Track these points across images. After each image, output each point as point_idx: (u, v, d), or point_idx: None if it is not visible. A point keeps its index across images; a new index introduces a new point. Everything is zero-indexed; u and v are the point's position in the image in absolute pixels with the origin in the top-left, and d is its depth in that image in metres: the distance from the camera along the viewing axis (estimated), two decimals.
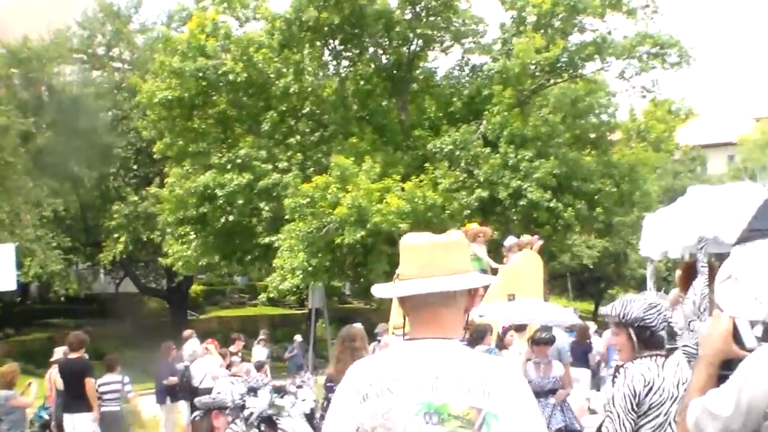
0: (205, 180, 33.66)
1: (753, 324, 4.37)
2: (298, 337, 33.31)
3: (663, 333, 5.61)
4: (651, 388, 5.40)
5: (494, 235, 23.81)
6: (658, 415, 5.35)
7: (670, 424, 5.33)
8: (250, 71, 33.81)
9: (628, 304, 5.66)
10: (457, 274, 3.26)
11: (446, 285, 3.22)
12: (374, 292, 3.52)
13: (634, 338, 5.61)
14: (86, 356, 15.77)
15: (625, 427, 5.40)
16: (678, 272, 11.74)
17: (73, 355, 15.20)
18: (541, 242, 21.71)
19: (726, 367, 3.69)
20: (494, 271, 19.04)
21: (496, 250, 22.60)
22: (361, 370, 3.26)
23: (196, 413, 11.12)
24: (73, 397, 15.02)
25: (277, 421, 8.15)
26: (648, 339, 5.57)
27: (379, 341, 16.52)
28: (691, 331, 10.36)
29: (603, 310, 5.93)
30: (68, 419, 15.17)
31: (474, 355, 3.29)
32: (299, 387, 12.59)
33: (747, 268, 4.29)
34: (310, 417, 10.21)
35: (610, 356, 18.24)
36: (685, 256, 10.90)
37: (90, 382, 15.05)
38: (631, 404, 5.38)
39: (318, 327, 34.51)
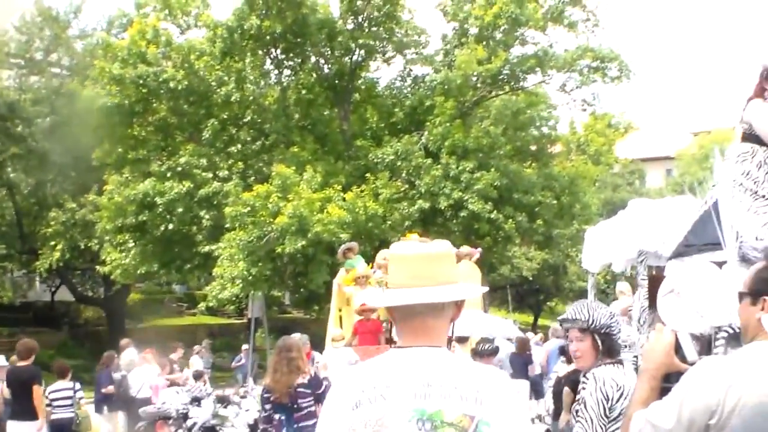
0: (144, 188, 33.32)
1: (695, 337, 4.40)
2: (245, 346, 33.07)
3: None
4: (622, 394, 5.42)
5: None
6: None
7: None
8: (192, 79, 33.60)
9: (595, 310, 5.69)
10: (446, 285, 3.32)
11: (436, 296, 3.28)
12: (366, 300, 3.66)
13: (600, 344, 5.64)
14: (33, 365, 15.37)
15: None
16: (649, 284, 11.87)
17: (21, 363, 15.00)
18: (480, 253, 21.79)
19: (667, 380, 3.74)
20: None
21: None
22: (352, 377, 3.28)
23: (140, 424, 11.04)
24: (20, 405, 14.81)
25: (220, 431, 8.15)
26: (611, 346, 5.62)
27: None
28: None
29: (567, 314, 5.93)
30: (14, 427, 14.92)
31: (464, 363, 3.34)
32: (243, 397, 12.57)
33: (688, 283, 4.32)
34: (253, 427, 10.17)
35: (550, 368, 18.32)
36: (628, 269, 11.00)
37: (37, 390, 14.83)
38: (604, 409, 5.38)
39: (257, 337, 34.27)
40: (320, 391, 10.39)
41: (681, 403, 3.42)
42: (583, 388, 5.58)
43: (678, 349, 3.95)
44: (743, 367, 3.45)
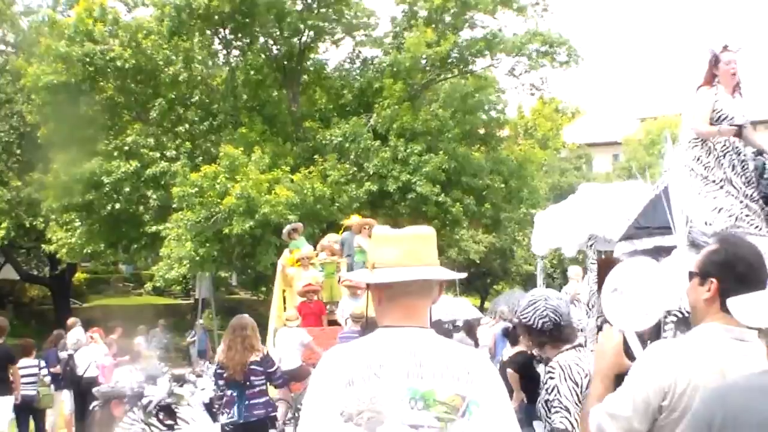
0: (91, 167, 33.05)
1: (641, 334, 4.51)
2: (200, 322, 33.00)
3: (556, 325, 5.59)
4: (589, 378, 5.31)
5: None
6: None
7: None
8: (139, 58, 33.30)
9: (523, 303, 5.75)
10: (433, 266, 3.41)
11: (430, 274, 3.38)
12: (353, 279, 3.69)
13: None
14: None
15: (577, 421, 5.36)
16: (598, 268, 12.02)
17: None
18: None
19: (620, 380, 3.82)
20: None
21: None
22: (344, 355, 3.31)
23: (95, 403, 11.06)
24: None
25: (176, 410, 8.23)
26: (569, 333, 5.59)
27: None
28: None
29: (520, 312, 5.95)
30: None
31: (452, 344, 3.40)
32: (198, 376, 12.62)
33: (630, 281, 4.40)
34: (209, 406, 10.28)
35: (498, 351, 18.50)
36: (575, 253, 11.16)
37: (15, 367, 15.54)
38: (578, 396, 5.36)
39: (205, 317, 34.27)
40: (272, 370, 10.62)
41: (635, 388, 3.57)
42: (551, 377, 5.57)
43: (626, 348, 4.05)
44: (693, 349, 3.61)
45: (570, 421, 5.38)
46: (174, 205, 31.19)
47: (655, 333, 8.29)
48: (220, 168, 30.55)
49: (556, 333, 5.56)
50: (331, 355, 3.36)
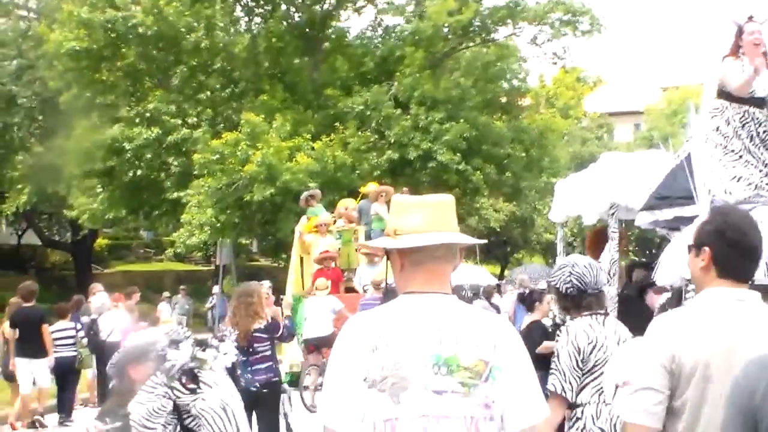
0: (112, 133, 33.15)
1: None
2: (216, 289, 33.13)
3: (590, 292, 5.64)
4: (595, 346, 5.48)
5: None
6: (603, 373, 5.39)
7: None
8: (161, 24, 33.24)
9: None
10: (456, 232, 3.45)
11: (456, 238, 3.43)
12: (376, 245, 3.66)
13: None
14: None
15: (572, 384, 5.47)
16: (587, 239, 12.03)
17: (26, 305, 16.25)
18: None
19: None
20: None
21: None
22: (368, 322, 3.34)
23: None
24: (30, 344, 16.01)
25: (199, 375, 8.29)
26: (575, 300, 5.66)
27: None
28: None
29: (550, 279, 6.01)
30: (25, 365, 16.07)
31: (475, 310, 3.44)
32: (221, 340, 12.68)
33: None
34: (231, 370, 10.38)
35: (518, 318, 18.54)
36: (596, 221, 11.15)
37: (47, 329, 16.23)
38: (577, 362, 5.45)
39: (225, 284, 34.42)
40: (278, 335, 10.84)
41: (647, 360, 3.66)
42: (557, 341, 5.66)
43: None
44: (695, 315, 3.70)
45: (562, 385, 5.47)
46: (195, 172, 31.25)
47: (676, 303, 8.32)
48: (241, 135, 30.57)
49: (578, 299, 5.62)
50: (354, 322, 3.39)
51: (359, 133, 32.19)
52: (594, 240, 11.48)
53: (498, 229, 47.86)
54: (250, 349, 10.54)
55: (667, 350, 3.62)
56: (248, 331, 10.47)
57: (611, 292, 9.91)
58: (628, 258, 17.86)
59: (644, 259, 11.64)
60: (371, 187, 20.68)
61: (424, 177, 32.30)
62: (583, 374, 5.50)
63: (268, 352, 10.77)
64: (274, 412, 11.01)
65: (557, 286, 5.66)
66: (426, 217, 3.40)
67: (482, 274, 26.43)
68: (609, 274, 10.02)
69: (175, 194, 32.53)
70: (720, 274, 3.74)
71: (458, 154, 31.83)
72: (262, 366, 10.66)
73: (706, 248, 3.77)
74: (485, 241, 3.68)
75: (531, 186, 37.38)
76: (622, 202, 10.02)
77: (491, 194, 38.61)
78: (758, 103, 8.77)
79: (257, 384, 10.52)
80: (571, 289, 5.56)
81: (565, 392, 5.43)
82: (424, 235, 3.37)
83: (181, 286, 32.99)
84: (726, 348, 3.55)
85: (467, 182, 32.77)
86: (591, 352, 5.47)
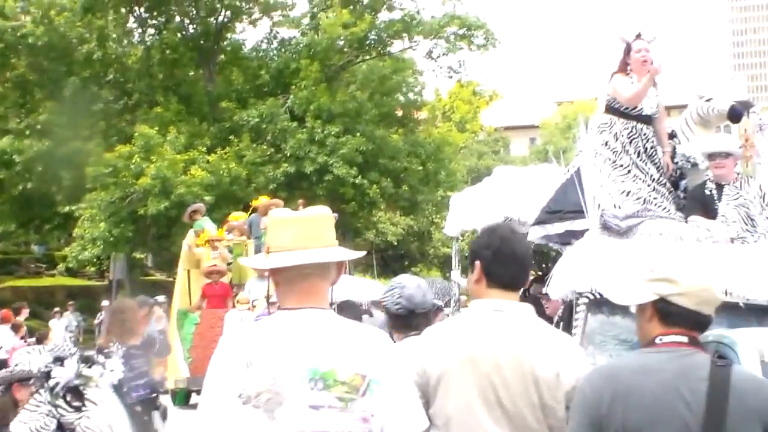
0: (2, 145, 32.50)
1: None
2: (105, 303, 32.63)
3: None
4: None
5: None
6: None
7: None
8: (52, 35, 32.71)
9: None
10: (330, 248, 3.42)
11: (325, 256, 3.38)
12: (248, 264, 3.72)
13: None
14: None
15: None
16: None
17: None
18: (335, 218, 21.86)
19: None
20: None
21: None
22: (242, 338, 3.32)
23: None
24: None
25: (84, 392, 8.17)
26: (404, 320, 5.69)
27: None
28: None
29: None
30: None
31: (352, 324, 3.42)
32: (107, 357, 12.49)
33: None
34: (117, 387, 10.30)
35: None
36: None
37: None
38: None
39: (119, 299, 33.92)
40: (155, 349, 10.87)
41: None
42: None
43: None
44: (446, 328, 4.12)
45: None
46: (88, 185, 30.79)
47: (567, 315, 8.43)
48: (134, 148, 30.22)
49: (407, 320, 5.62)
50: (229, 338, 3.36)
51: (254, 146, 32.06)
52: None
53: (395, 243, 48.02)
54: (127, 366, 10.59)
55: (418, 363, 3.81)
56: (123, 348, 10.55)
57: None
58: None
59: (540, 272, 11.84)
60: (262, 201, 20.61)
61: (320, 190, 32.26)
62: None
63: (145, 368, 10.81)
64: (149, 428, 11.02)
65: (387, 306, 5.66)
66: (296, 234, 3.38)
67: (380, 289, 26.44)
68: None
69: (67, 208, 32.04)
70: (489, 284, 3.96)
71: (355, 168, 31.89)
72: (140, 382, 10.71)
73: (477, 262, 3.99)
74: (360, 254, 3.64)
75: (427, 200, 37.62)
76: (516, 216, 10.08)
77: (388, 208, 38.74)
78: (645, 119, 8.97)
79: (132, 401, 10.57)
80: (401, 309, 5.56)
81: None
82: (292, 253, 3.35)
83: (70, 302, 32.37)
84: (466, 358, 3.77)
85: (363, 196, 32.84)
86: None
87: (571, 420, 3.37)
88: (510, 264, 3.98)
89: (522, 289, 4.15)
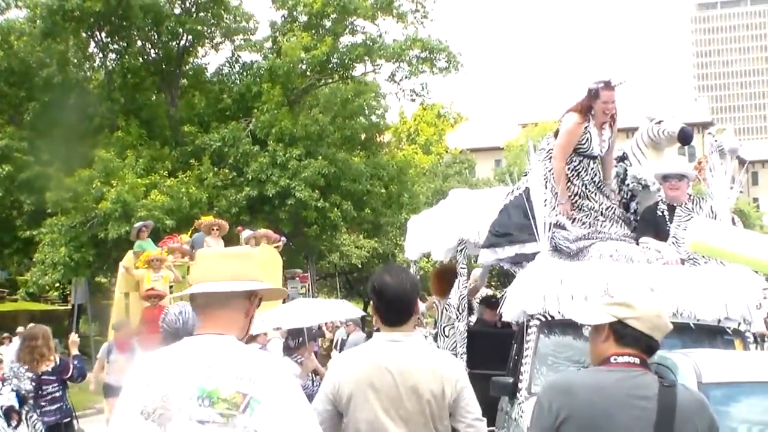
0: None
1: None
2: (21, 329, 32.15)
3: None
4: None
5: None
6: None
7: None
8: (11, 59, 32.68)
9: None
10: (236, 281, 3.81)
11: (216, 287, 3.78)
12: (175, 294, 4.06)
13: None
14: None
15: None
16: (431, 276, 12.12)
17: None
18: (282, 241, 21.79)
19: None
20: None
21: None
22: (148, 361, 3.73)
23: None
24: None
25: None
26: None
27: None
28: (446, 336, 10.77)
29: None
30: None
31: (244, 349, 3.79)
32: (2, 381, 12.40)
33: None
34: (7, 412, 10.38)
35: None
36: (447, 258, 11.23)
37: None
38: None
39: (81, 323, 33.70)
40: (67, 376, 11.09)
41: (321, 389, 4.75)
42: None
43: None
44: (358, 355, 4.76)
45: None
46: (48, 210, 30.62)
47: (520, 337, 8.48)
48: (95, 172, 30.10)
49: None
50: (139, 362, 3.81)
51: (216, 169, 32.02)
52: (438, 276, 11.57)
53: (360, 266, 47.94)
54: (39, 391, 10.66)
55: (331, 383, 4.62)
56: (35, 374, 10.63)
57: (460, 328, 10.03)
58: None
59: (497, 294, 11.85)
60: (205, 220, 20.37)
61: (283, 214, 32.23)
62: None
63: (58, 393, 11.03)
64: None
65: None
66: (207, 269, 3.85)
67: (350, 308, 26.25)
68: (458, 310, 10.14)
69: (28, 232, 31.77)
70: (378, 321, 4.77)
71: (317, 191, 31.90)
72: (52, 407, 10.80)
73: (372, 301, 4.76)
74: (230, 289, 3.82)
75: (390, 222, 37.66)
76: (471, 239, 10.13)
77: (350, 230, 38.75)
78: (592, 157, 9.17)
79: (45, 426, 10.67)
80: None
81: None
82: (196, 285, 3.81)
83: (19, 328, 32.02)
84: (369, 383, 4.53)
85: (325, 219, 32.81)
86: None
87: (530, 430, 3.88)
88: (392, 304, 4.70)
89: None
